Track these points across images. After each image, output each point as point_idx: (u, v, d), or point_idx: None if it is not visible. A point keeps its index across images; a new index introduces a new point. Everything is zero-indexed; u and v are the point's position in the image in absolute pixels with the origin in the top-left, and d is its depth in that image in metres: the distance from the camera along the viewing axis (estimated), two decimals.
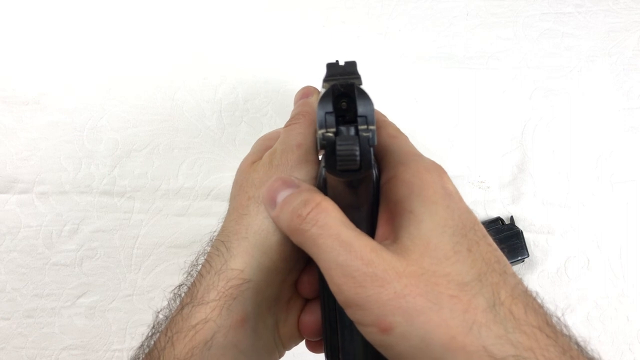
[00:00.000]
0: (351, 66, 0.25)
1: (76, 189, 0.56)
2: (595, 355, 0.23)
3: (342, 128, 0.24)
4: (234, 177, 0.33)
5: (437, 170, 0.26)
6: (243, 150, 0.53)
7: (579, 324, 0.54)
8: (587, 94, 0.57)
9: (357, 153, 0.23)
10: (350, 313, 0.24)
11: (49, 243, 0.55)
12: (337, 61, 0.27)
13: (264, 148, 0.33)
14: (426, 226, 0.24)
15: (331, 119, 0.24)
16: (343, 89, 0.24)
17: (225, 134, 0.57)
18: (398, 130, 0.31)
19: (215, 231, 0.32)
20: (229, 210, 0.32)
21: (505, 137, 0.57)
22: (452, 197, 0.25)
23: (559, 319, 0.23)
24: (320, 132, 0.24)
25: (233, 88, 0.58)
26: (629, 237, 0.55)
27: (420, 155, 0.28)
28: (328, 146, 0.24)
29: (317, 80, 0.31)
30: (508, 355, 0.21)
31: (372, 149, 0.24)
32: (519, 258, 0.53)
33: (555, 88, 0.57)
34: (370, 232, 0.27)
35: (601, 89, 0.57)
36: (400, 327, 0.22)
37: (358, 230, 0.24)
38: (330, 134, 0.24)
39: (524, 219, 0.55)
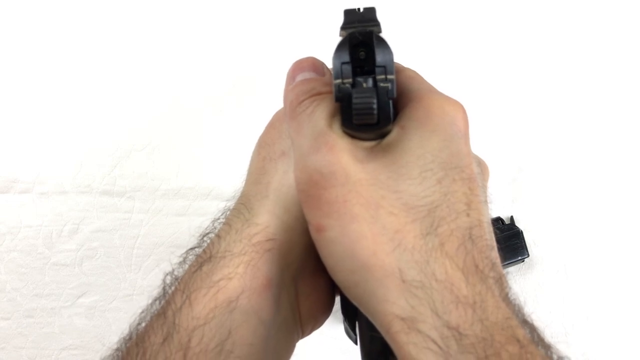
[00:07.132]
0: (370, 13, 0.24)
1: (76, 189, 0.56)
2: (528, 319, 0.21)
3: (359, 79, 0.23)
4: (234, 177, 0.33)
5: (454, 107, 0.24)
6: (244, 149, 0.53)
7: (579, 324, 0.54)
8: (588, 99, 0.57)
9: (375, 106, 0.22)
10: (301, 205, 0.24)
11: (49, 243, 0.55)
12: (358, 8, 0.26)
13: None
14: (407, 145, 0.23)
15: (347, 69, 0.23)
16: (361, 37, 0.23)
17: (227, 132, 0.57)
18: (417, 73, 0.29)
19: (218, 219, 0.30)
20: (246, 177, 0.31)
21: (505, 136, 0.57)
22: (456, 135, 0.23)
23: (502, 277, 0.22)
24: (336, 82, 0.23)
25: (233, 86, 0.58)
26: (630, 236, 0.55)
27: (440, 92, 0.25)
28: (344, 98, 0.23)
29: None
30: (414, 280, 0.20)
31: (391, 102, 0.23)
32: (519, 258, 0.53)
33: (560, 89, 0.57)
34: None
35: (603, 93, 0.57)
36: (332, 230, 0.22)
37: (338, 129, 0.24)
38: (347, 85, 0.22)
39: (524, 219, 0.55)
